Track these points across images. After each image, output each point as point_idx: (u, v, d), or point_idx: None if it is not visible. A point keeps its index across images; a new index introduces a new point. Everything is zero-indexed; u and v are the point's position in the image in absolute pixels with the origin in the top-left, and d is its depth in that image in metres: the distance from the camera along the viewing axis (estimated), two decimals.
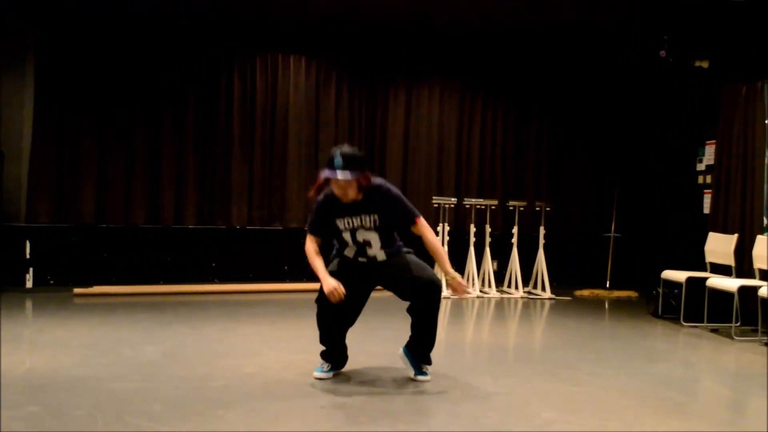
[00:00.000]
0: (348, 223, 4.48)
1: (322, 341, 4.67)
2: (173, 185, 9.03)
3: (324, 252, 4.54)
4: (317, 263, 4.47)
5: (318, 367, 4.65)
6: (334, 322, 4.58)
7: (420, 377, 4.63)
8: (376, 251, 4.56)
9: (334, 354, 4.70)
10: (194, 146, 9.10)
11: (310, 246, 4.52)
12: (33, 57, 8.55)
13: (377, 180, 4.49)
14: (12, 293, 7.97)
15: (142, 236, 8.95)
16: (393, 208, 4.48)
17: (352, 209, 4.45)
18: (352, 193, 4.35)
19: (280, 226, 9.42)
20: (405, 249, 4.69)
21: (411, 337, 4.69)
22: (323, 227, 4.54)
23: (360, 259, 4.59)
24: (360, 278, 4.58)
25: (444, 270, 4.61)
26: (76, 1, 8.28)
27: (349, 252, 4.59)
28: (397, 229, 4.64)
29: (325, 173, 4.33)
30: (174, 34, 8.99)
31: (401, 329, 6.16)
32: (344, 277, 4.44)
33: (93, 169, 8.69)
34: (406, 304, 4.58)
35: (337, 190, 4.36)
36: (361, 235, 4.50)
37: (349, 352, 4.79)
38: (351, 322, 4.68)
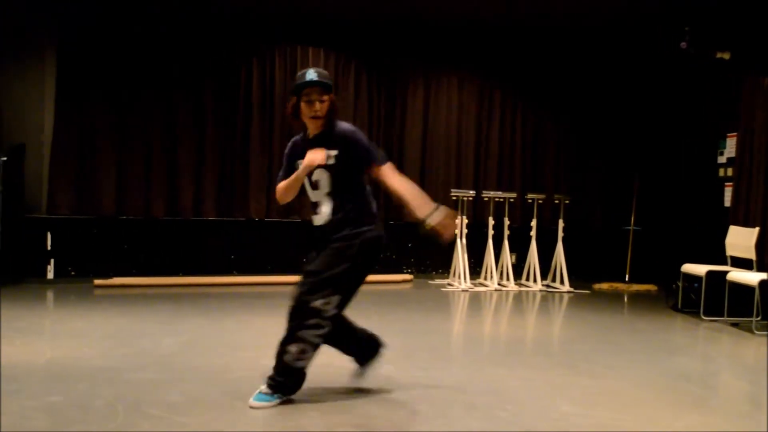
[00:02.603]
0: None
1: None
2: (192, 178, 9.08)
3: None
4: (285, 181, 4.11)
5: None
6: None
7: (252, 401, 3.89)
8: (324, 202, 4.02)
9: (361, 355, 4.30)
10: (213, 139, 9.14)
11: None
12: (54, 51, 8.61)
13: (346, 123, 4.11)
14: (33, 284, 8.07)
15: (162, 228, 9.01)
16: (354, 147, 3.97)
17: (314, 145, 3.97)
18: (321, 112, 3.94)
19: (298, 218, 9.44)
20: (358, 236, 3.94)
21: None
22: (288, 173, 4.11)
23: (313, 218, 4.10)
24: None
25: (419, 216, 3.89)
26: None
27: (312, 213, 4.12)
28: (357, 173, 4.03)
29: (297, 85, 3.99)
30: (193, 26, 9.02)
31: (418, 321, 6.16)
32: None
33: (113, 161, 8.75)
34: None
35: (306, 109, 3.95)
36: (315, 176, 4.01)
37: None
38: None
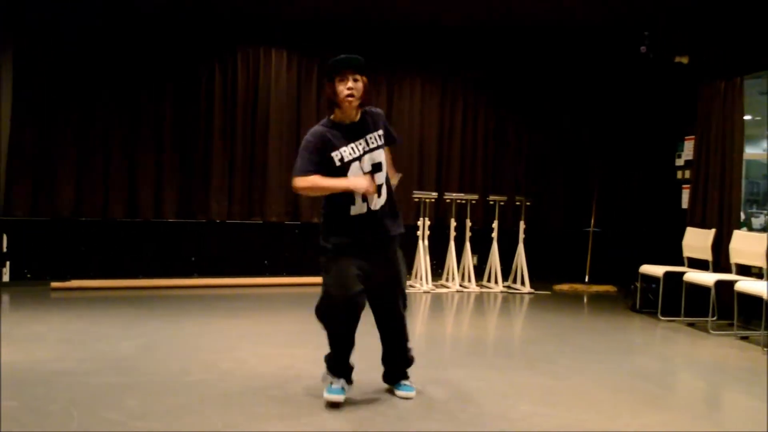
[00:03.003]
0: (354, 150, 3.94)
1: (335, 352, 4.05)
2: (153, 179, 8.97)
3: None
4: (323, 180, 3.86)
5: (328, 387, 4.03)
6: (351, 319, 3.93)
7: (402, 392, 4.22)
8: (384, 181, 4.02)
9: (345, 363, 4.11)
10: (174, 140, 9.05)
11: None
12: (10, 53, 8.46)
13: (371, 108, 4.15)
14: None
15: (121, 230, 8.89)
16: (387, 126, 4.14)
17: (356, 131, 3.98)
18: (356, 93, 3.90)
19: (260, 220, 9.38)
20: (401, 233, 4.18)
21: (384, 355, 4.31)
22: (318, 166, 3.88)
23: (371, 203, 3.95)
24: (372, 251, 3.99)
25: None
26: None
27: (363, 201, 3.94)
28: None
29: (329, 65, 3.99)
30: (153, 27, 8.91)
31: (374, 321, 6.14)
32: (356, 253, 3.92)
33: (71, 162, 8.62)
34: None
35: (342, 87, 3.90)
36: (370, 159, 3.97)
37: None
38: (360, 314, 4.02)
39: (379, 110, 4.15)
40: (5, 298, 7.53)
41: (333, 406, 3.92)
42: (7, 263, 8.34)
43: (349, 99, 3.91)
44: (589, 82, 10.42)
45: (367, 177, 3.86)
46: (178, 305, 7.37)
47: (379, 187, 3.96)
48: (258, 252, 9.37)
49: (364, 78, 3.98)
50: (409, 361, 4.32)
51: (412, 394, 4.20)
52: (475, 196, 9.69)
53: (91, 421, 3.57)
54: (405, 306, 4.22)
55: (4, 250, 8.32)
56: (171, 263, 9.04)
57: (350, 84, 3.90)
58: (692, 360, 5.93)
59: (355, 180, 3.85)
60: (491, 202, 9.71)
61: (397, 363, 4.30)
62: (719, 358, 5.82)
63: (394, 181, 4.22)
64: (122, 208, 8.87)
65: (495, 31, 9.50)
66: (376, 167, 3.98)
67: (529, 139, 10.48)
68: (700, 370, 5.52)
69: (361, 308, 3.92)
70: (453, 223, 9.34)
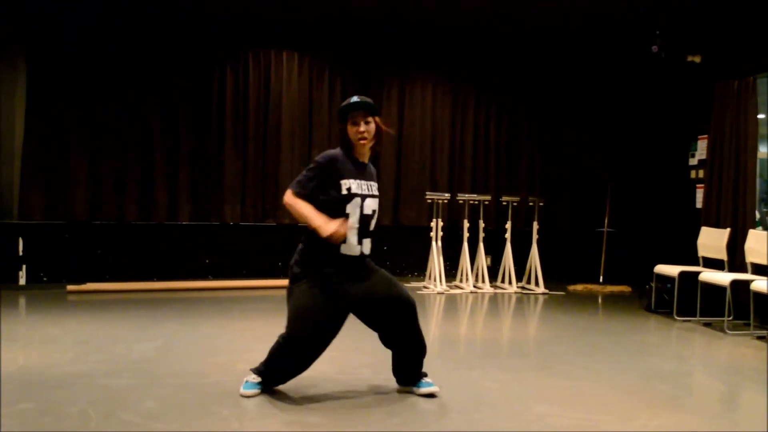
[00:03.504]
0: (361, 187, 4.03)
1: (276, 377, 4.18)
2: (166, 182, 9.03)
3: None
4: (304, 207, 3.91)
5: (246, 382, 4.17)
6: (307, 356, 4.06)
7: (425, 389, 4.26)
8: (369, 235, 4.11)
9: (273, 382, 4.22)
10: (187, 143, 9.10)
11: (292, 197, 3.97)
12: (24, 56, 8.53)
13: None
14: (5, 290, 7.97)
15: (135, 233, 8.94)
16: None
17: (365, 173, 4.11)
18: (368, 134, 4.02)
19: (273, 222, 9.41)
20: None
21: (399, 363, 4.31)
22: (315, 189, 3.97)
23: (364, 246, 4.06)
24: (346, 292, 4.04)
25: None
26: (65, 1, 8.28)
27: (349, 240, 3.98)
28: None
29: (341, 108, 4.06)
30: (166, 31, 8.97)
31: None
32: (331, 293, 3.98)
33: (85, 166, 8.68)
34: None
35: (352, 131, 4.01)
36: (369, 206, 4.04)
37: (342, 350, 4.66)
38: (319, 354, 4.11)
39: (373, 169, 4.25)
40: (22, 301, 7.58)
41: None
42: (24, 267, 8.41)
43: (362, 141, 4.04)
44: (601, 83, 10.42)
45: (340, 221, 3.87)
46: (193, 307, 7.40)
47: (372, 233, 4.11)
48: (272, 254, 9.40)
49: (377, 118, 4.09)
50: (424, 349, 4.31)
51: (435, 389, 4.24)
52: (488, 197, 9.69)
53: (109, 423, 3.59)
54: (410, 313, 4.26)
55: (21, 253, 8.39)
56: (185, 266, 9.09)
57: (362, 128, 4.03)
58: (708, 360, 5.90)
59: (329, 223, 3.84)
60: (504, 203, 9.71)
61: (415, 364, 4.30)
62: (736, 358, 5.79)
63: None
64: (136, 210, 8.92)
65: (507, 33, 9.50)
66: (371, 218, 4.09)
67: (542, 140, 10.48)
68: (716, 370, 5.50)
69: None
70: (466, 224, 9.34)
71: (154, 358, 5.05)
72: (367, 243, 4.09)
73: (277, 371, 4.16)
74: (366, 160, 4.16)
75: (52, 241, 8.56)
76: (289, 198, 3.95)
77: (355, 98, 4.08)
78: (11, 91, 8.55)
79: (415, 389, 4.27)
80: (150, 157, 8.96)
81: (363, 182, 4.05)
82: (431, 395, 4.21)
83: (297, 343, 3.98)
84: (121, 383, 4.33)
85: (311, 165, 4.04)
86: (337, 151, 4.08)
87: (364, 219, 4.03)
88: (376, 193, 4.13)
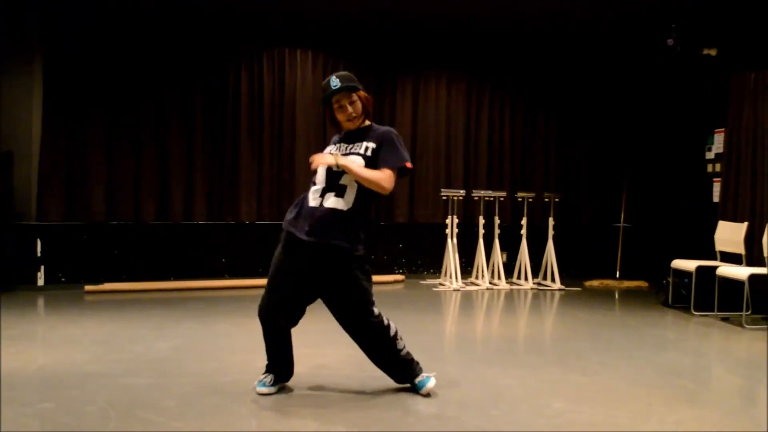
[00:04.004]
0: (339, 150, 4.11)
1: (273, 361, 4.26)
2: (182, 181, 9.06)
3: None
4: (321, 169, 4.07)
5: (260, 381, 4.22)
6: (274, 316, 4.19)
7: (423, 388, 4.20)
8: (351, 186, 3.98)
9: (279, 364, 4.27)
10: (203, 142, 9.13)
11: None
12: (40, 57, 8.58)
13: (384, 126, 4.22)
14: (24, 291, 8.04)
15: (152, 233, 8.99)
16: (387, 146, 4.06)
17: (348, 139, 4.15)
18: (356, 113, 4.06)
19: None
20: (361, 257, 4.04)
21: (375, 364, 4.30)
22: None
23: (325, 199, 3.98)
24: (302, 261, 4.06)
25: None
26: (82, 0, 8.32)
27: (318, 197, 4.01)
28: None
29: (323, 95, 4.08)
30: (180, 30, 9.00)
31: (411, 322, 6.17)
32: (282, 252, 4.20)
33: (102, 166, 8.73)
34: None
35: (341, 115, 4.07)
36: (343, 161, 3.96)
37: (358, 347, 4.63)
38: (294, 317, 4.20)
39: (386, 130, 4.15)
40: (41, 301, 7.64)
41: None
42: (42, 267, 8.47)
43: (352, 122, 4.10)
44: (616, 77, 10.37)
45: (328, 155, 4.00)
46: (210, 306, 7.43)
47: (341, 187, 3.99)
48: None
49: (360, 93, 4.09)
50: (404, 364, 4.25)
51: (431, 384, 4.19)
52: (503, 193, 9.68)
53: (128, 422, 3.62)
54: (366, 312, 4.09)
55: (39, 254, 8.45)
56: (202, 265, 9.12)
57: (350, 110, 4.06)
58: (726, 355, 5.87)
59: (319, 157, 4.00)
60: (519, 199, 9.69)
61: (391, 370, 4.30)
62: (754, 353, 5.75)
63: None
64: (153, 210, 8.96)
65: (522, 28, 9.46)
66: (339, 175, 4.01)
67: (557, 135, 10.46)
68: (734, 365, 5.47)
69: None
70: (481, 221, 9.33)
71: (172, 357, 5.08)
72: (331, 198, 3.98)
73: (269, 353, 4.25)
74: (360, 124, 4.15)
75: (70, 241, 8.62)
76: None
77: (334, 81, 4.02)
78: (28, 92, 8.59)
79: (416, 389, 4.22)
80: (166, 157, 8.99)
81: (344, 145, 4.12)
82: (428, 395, 4.17)
83: (262, 300, 4.24)
84: (139, 382, 4.36)
85: None
86: (337, 135, 4.28)
87: (331, 174, 4.01)
88: (355, 150, 4.05)
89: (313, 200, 4.02)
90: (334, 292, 4.08)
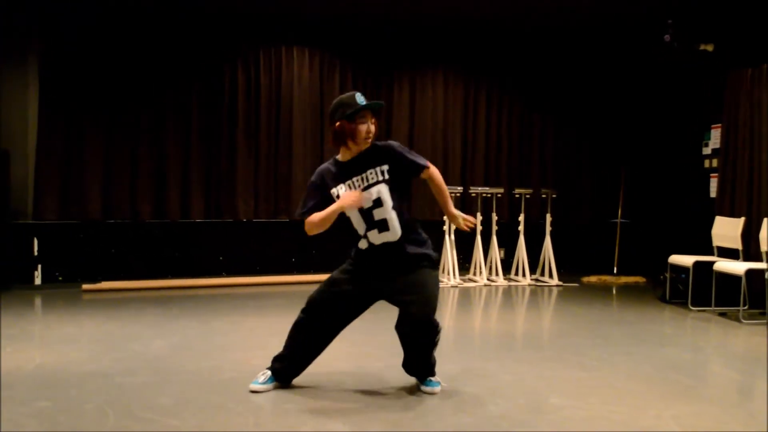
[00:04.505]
0: (352, 187, 4.00)
1: (287, 352, 4.22)
2: (179, 179, 9.05)
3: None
4: (318, 215, 3.95)
5: (255, 379, 4.20)
6: (318, 336, 4.16)
7: (426, 388, 4.22)
8: (390, 217, 3.98)
9: (290, 369, 4.25)
10: (199, 140, 9.12)
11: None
12: (36, 55, 8.57)
13: (380, 143, 4.16)
14: (21, 290, 8.02)
15: (149, 231, 8.97)
16: (401, 158, 4.05)
17: (354, 168, 4.02)
18: (373, 135, 4.02)
19: (286, 218, 9.43)
20: (428, 253, 4.11)
21: (405, 357, 4.26)
22: (315, 207, 3.99)
23: (371, 239, 4.01)
24: (367, 283, 4.08)
25: (447, 211, 4.27)
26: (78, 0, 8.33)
27: (363, 238, 4.04)
28: (408, 183, 4.20)
29: (349, 110, 3.95)
30: (177, 28, 8.98)
31: None
32: (349, 279, 4.09)
33: (99, 165, 8.71)
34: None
35: (365, 134, 3.97)
36: (375, 194, 3.97)
37: (359, 341, 4.62)
38: (332, 338, 4.22)
39: (390, 144, 4.12)
40: (38, 300, 7.63)
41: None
42: (39, 266, 8.45)
43: (367, 140, 4.03)
44: (614, 73, 10.37)
45: (356, 192, 3.95)
46: (207, 304, 7.43)
47: (381, 222, 4.00)
48: (285, 250, 9.43)
49: (376, 121, 4.10)
50: (429, 369, 4.26)
51: (437, 389, 4.19)
52: (501, 190, 9.68)
53: (125, 420, 3.62)
54: (429, 329, 4.00)
55: (35, 253, 8.43)
56: (199, 263, 9.11)
57: (372, 129, 4.03)
58: (724, 350, 5.88)
59: (343, 198, 3.94)
60: (517, 195, 9.69)
61: (419, 368, 4.27)
62: (751, 348, 5.76)
63: (457, 222, 4.24)
64: (150, 209, 8.95)
65: (519, 25, 9.45)
66: (376, 203, 3.99)
67: (554, 131, 10.47)
68: (732, 360, 5.47)
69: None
70: (479, 217, 9.33)
71: (169, 356, 5.07)
72: (375, 234, 4.01)
73: (292, 350, 4.22)
74: (363, 148, 4.04)
75: (67, 240, 8.60)
76: (306, 225, 4.01)
77: (360, 98, 4.01)
78: (25, 91, 8.58)
79: (421, 385, 4.24)
80: (163, 155, 8.97)
81: (357, 178, 4.01)
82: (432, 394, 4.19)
83: (307, 310, 4.15)
84: (137, 381, 4.36)
85: (309, 183, 4.15)
86: (325, 165, 4.15)
87: (365, 214, 4.01)
88: (373, 180, 3.99)
89: (375, 242, 4.05)
90: (409, 288, 4.00)
